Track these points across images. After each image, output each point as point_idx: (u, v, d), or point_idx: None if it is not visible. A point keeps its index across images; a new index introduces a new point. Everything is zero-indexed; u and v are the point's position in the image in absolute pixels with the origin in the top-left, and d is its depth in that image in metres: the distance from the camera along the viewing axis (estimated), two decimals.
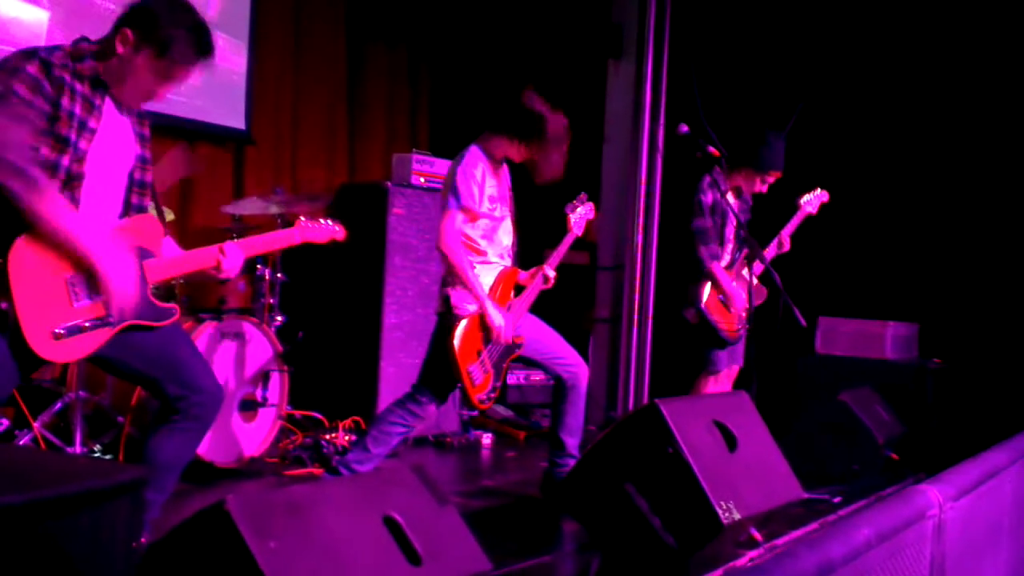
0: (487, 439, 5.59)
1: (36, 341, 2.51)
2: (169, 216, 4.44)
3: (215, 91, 5.78)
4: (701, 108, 5.81)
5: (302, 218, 3.31)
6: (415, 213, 5.39)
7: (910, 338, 5.87)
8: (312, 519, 2.06)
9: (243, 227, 5.01)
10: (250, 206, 5.00)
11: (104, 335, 2.66)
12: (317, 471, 4.47)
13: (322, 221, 3.36)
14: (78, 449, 3.91)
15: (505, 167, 3.98)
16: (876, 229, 6.07)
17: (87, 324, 2.60)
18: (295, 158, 6.35)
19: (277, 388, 4.58)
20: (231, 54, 5.88)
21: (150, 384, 2.86)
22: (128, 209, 2.82)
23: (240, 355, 4.44)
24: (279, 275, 4.80)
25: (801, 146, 5.90)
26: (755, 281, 4.66)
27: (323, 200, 5.25)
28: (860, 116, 6.10)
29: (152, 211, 2.93)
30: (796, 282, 4.74)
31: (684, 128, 4.27)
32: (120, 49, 2.65)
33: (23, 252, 2.49)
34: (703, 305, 4.73)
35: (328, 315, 5.44)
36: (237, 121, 5.89)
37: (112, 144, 2.72)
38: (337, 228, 3.38)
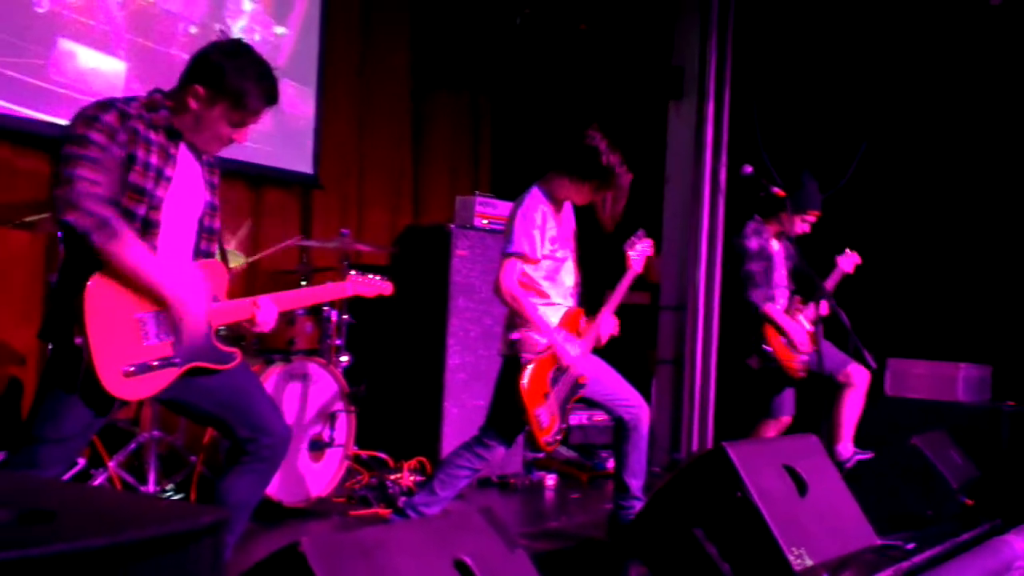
0: (550, 480, 5.57)
1: (107, 378, 2.55)
2: (240, 260, 4.55)
3: (284, 136, 5.93)
4: (763, 149, 5.80)
5: (353, 272, 3.39)
6: (478, 255, 5.43)
7: (983, 380, 5.74)
8: (383, 561, 2.07)
9: (310, 269, 5.11)
10: (318, 247, 5.09)
11: (170, 375, 2.70)
12: (383, 511, 4.49)
13: (371, 276, 3.44)
14: (151, 488, 3.98)
15: (568, 207, 3.98)
16: (947, 269, 5.97)
17: (155, 363, 2.65)
18: (361, 201, 6.47)
19: (344, 428, 4.63)
20: (299, 101, 6.03)
21: (221, 426, 2.91)
22: (197, 254, 2.89)
23: (308, 396, 4.50)
24: (345, 316, 4.87)
25: (869, 186, 5.85)
26: (810, 327, 4.65)
27: (388, 243, 5.33)
28: (929, 154, 6.02)
29: (217, 257, 3.00)
30: (864, 323, 4.69)
31: (748, 169, 4.27)
32: (193, 105, 2.71)
33: (98, 289, 2.55)
34: (768, 348, 4.72)
35: (393, 356, 5.49)
36: (305, 165, 6.02)
37: (186, 191, 2.80)
38: (385, 284, 3.45)
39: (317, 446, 4.50)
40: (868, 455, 5.01)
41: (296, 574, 1.92)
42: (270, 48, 5.87)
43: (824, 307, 4.65)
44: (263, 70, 2.77)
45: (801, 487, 3.12)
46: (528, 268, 3.78)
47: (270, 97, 2.77)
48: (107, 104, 2.66)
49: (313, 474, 4.48)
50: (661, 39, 6.66)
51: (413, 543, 2.20)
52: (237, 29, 5.66)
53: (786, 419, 5.05)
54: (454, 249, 5.31)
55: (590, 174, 3.80)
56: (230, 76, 2.70)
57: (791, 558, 2.82)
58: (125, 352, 2.59)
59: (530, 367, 3.69)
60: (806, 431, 4.68)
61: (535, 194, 3.84)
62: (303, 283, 5.05)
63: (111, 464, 3.95)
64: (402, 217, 6.66)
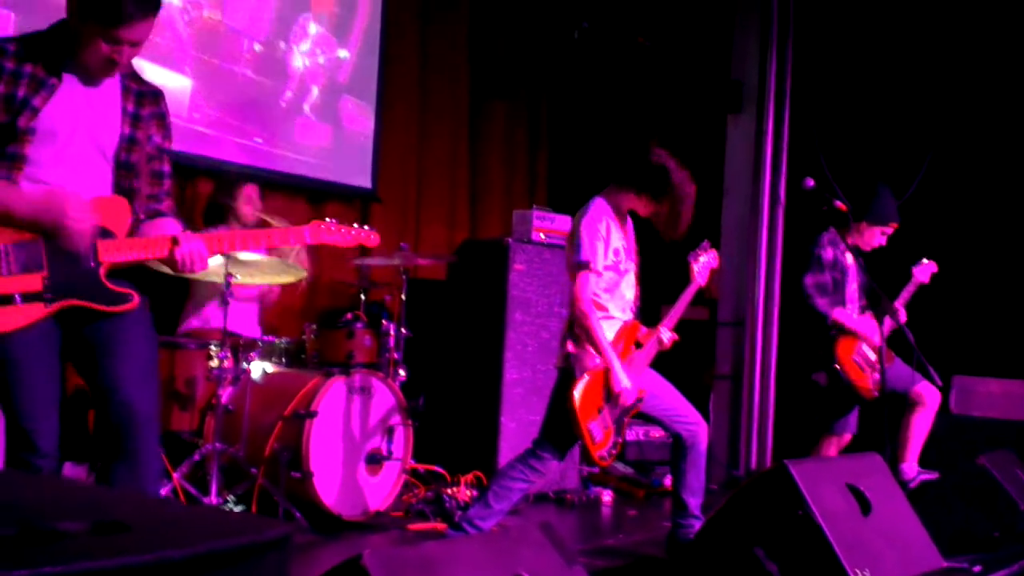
0: (607, 496, 5.54)
1: None
2: (302, 274, 4.60)
3: (344, 152, 6.01)
4: (824, 162, 5.74)
5: (327, 219, 3.08)
6: (535, 269, 5.44)
7: None
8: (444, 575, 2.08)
9: (369, 282, 5.16)
10: (376, 262, 5.14)
11: (36, 311, 2.56)
12: (440, 526, 4.51)
13: (355, 226, 3.15)
14: (214, 500, 4.04)
15: (630, 220, 3.98)
16: (1015, 283, 5.84)
17: (17, 296, 2.53)
18: (419, 215, 6.52)
19: (402, 442, 4.66)
20: (359, 116, 6.11)
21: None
22: (118, 191, 2.74)
23: (366, 409, 4.54)
24: (403, 330, 4.91)
25: (931, 197, 5.76)
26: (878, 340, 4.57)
27: (446, 257, 5.35)
28: (996, 164, 5.90)
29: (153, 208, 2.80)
30: (929, 339, 4.61)
31: (810, 182, 4.23)
32: (71, 22, 2.60)
33: None
34: (838, 365, 4.65)
35: (450, 370, 5.52)
36: (364, 180, 6.09)
37: (81, 124, 2.65)
38: (367, 233, 3.16)
39: (375, 460, 4.53)
40: (933, 475, 4.91)
41: None
42: (332, 67, 5.96)
43: (888, 324, 4.57)
44: None
45: (865, 506, 3.08)
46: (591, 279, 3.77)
47: (133, 5, 2.53)
48: None
49: (371, 487, 4.51)
50: (720, 52, 6.64)
51: (473, 558, 2.20)
52: (301, 51, 5.76)
53: (848, 437, 4.98)
54: (511, 263, 5.33)
55: (654, 188, 3.80)
56: None
57: None
58: None
59: (583, 381, 3.68)
60: (867, 449, 4.62)
61: (599, 204, 3.83)
62: (362, 296, 5.11)
63: (175, 475, 4.02)
64: (459, 231, 6.70)
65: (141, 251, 2.70)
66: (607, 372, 3.71)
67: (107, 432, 2.63)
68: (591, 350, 3.72)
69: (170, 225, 2.83)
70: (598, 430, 3.71)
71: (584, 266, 3.71)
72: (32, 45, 2.63)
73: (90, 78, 2.66)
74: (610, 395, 3.74)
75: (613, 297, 3.86)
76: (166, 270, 2.86)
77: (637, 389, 3.80)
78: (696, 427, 3.92)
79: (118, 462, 2.62)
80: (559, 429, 3.76)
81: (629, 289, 3.93)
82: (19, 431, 2.59)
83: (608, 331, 3.78)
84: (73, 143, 2.64)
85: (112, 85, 2.72)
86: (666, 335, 3.96)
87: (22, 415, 2.58)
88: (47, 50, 2.63)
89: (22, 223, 2.56)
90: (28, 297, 2.54)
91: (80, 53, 2.59)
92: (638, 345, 3.94)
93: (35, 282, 2.55)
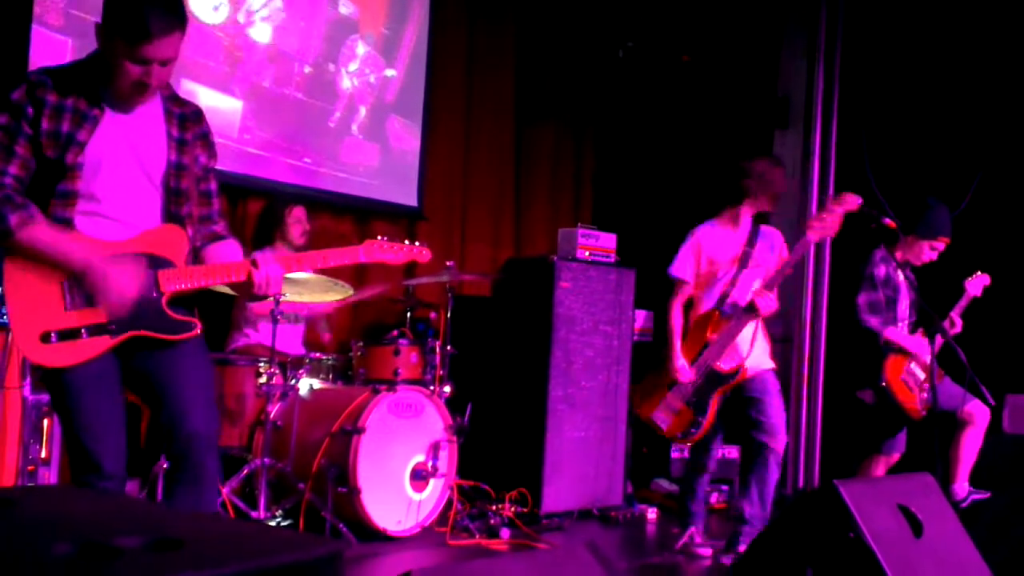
0: (652, 513, 5.52)
1: (24, 345, 2.49)
2: (348, 292, 4.65)
3: (390, 171, 6.07)
4: (873, 178, 5.68)
5: (380, 237, 3.11)
6: (580, 286, 5.44)
7: None
8: None
9: (415, 300, 5.20)
10: (423, 280, 5.18)
11: (102, 344, 2.58)
12: (484, 542, 4.52)
13: (405, 243, 3.16)
14: (262, 514, 4.09)
15: (746, 226, 4.46)
16: None
17: (82, 330, 2.55)
18: (464, 233, 6.56)
19: (447, 458, 4.68)
20: (406, 135, 6.17)
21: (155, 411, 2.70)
22: (169, 218, 2.73)
23: (412, 426, 4.57)
24: (449, 347, 4.93)
25: (983, 214, 5.68)
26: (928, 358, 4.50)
27: (491, 274, 5.37)
28: None
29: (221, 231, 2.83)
30: (981, 358, 4.53)
31: (858, 200, 4.19)
32: (101, 47, 2.59)
33: (16, 261, 2.52)
34: (885, 384, 4.60)
35: (495, 387, 5.53)
36: (410, 199, 6.15)
37: (126, 154, 2.64)
38: (419, 250, 3.19)
39: (421, 476, 4.56)
40: (985, 495, 4.83)
41: None
42: (380, 86, 6.03)
43: (939, 342, 4.51)
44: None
45: (916, 528, 3.03)
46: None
47: (156, 22, 2.49)
48: (22, 80, 2.58)
49: (416, 503, 4.54)
50: (766, 68, 6.61)
51: None
52: (350, 71, 5.83)
53: (896, 456, 4.91)
54: (557, 281, 5.34)
55: (757, 191, 4.47)
56: (115, 4, 2.54)
57: None
58: (44, 318, 2.51)
59: (648, 377, 4.48)
60: (917, 468, 4.55)
61: (698, 230, 4.53)
62: (408, 314, 5.14)
63: (224, 490, 4.07)
64: (503, 250, 6.72)
65: (214, 277, 2.71)
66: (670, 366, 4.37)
67: (173, 458, 2.67)
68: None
69: (233, 248, 2.85)
70: (665, 418, 4.34)
71: (672, 279, 4.49)
72: (71, 76, 2.61)
73: (128, 105, 2.65)
74: (672, 386, 4.36)
75: (704, 294, 4.47)
76: (224, 290, 2.88)
77: (718, 357, 4.31)
78: (777, 445, 4.25)
79: (182, 485, 2.66)
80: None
81: (729, 286, 4.40)
82: (84, 452, 2.59)
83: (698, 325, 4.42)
84: (121, 173, 2.64)
85: (154, 110, 2.72)
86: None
87: (87, 436, 2.58)
88: (86, 81, 2.61)
89: (68, 271, 2.56)
90: (93, 330, 2.56)
91: (114, 79, 2.57)
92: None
93: (99, 315, 2.57)
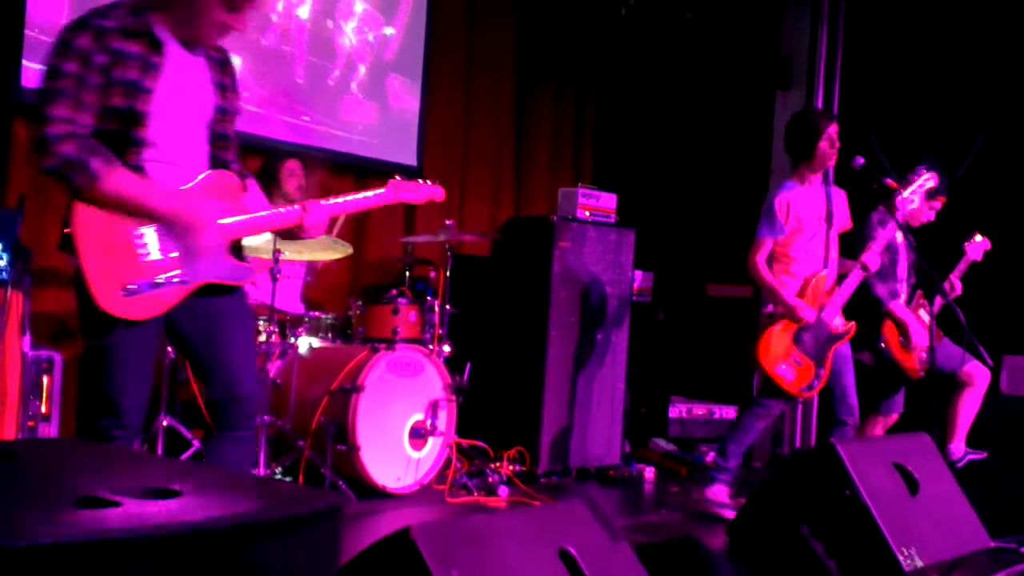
0: (649, 473, 5.55)
1: (104, 298, 2.45)
2: (348, 250, 4.64)
3: (389, 130, 6.03)
4: (875, 139, 5.65)
5: (397, 176, 3.20)
6: (580, 246, 5.43)
7: None
8: (491, 549, 2.10)
9: (414, 258, 5.19)
10: (422, 239, 5.17)
11: (179, 293, 2.57)
12: (483, 499, 4.55)
13: (420, 181, 3.27)
14: (262, 471, 4.11)
15: (824, 188, 4.45)
16: None
17: (160, 280, 2.53)
18: (464, 192, 6.53)
19: (446, 417, 4.69)
20: (405, 94, 6.12)
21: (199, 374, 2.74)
22: (215, 164, 2.73)
23: (411, 384, 4.58)
24: (448, 307, 4.93)
25: (984, 176, 5.65)
26: (927, 319, 4.51)
27: (491, 234, 5.36)
28: None
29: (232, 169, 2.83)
30: (980, 320, 4.54)
31: (860, 160, 4.17)
32: None
33: (88, 212, 2.47)
34: (884, 345, 4.62)
35: (494, 346, 5.54)
36: (409, 158, 6.11)
37: (183, 98, 2.62)
38: (435, 189, 3.29)
39: (419, 434, 4.57)
40: (981, 455, 4.86)
41: (406, 559, 1.96)
42: (379, 45, 5.97)
43: (938, 303, 4.52)
44: None
45: (912, 486, 3.05)
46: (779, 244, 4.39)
47: None
48: (82, 24, 2.50)
49: (415, 461, 4.56)
50: (769, 28, 6.55)
51: (520, 532, 2.22)
52: (349, 29, 5.78)
53: (894, 417, 4.93)
54: (556, 241, 5.33)
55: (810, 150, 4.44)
56: None
57: (901, 558, 2.76)
58: (123, 270, 2.48)
59: (766, 333, 4.31)
60: (914, 429, 4.58)
61: (785, 185, 4.43)
62: (407, 273, 5.14)
63: None
64: (503, 209, 6.70)
65: (270, 224, 2.75)
66: (791, 313, 4.28)
67: (222, 419, 2.68)
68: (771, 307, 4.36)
69: (256, 190, 2.87)
70: (789, 371, 4.28)
71: (757, 234, 4.41)
72: (128, 17, 2.54)
73: (189, 48, 2.61)
74: (799, 339, 4.29)
75: (803, 256, 4.40)
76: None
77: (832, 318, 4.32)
78: (852, 420, 4.34)
79: (231, 444, 2.69)
80: (761, 380, 4.46)
81: (820, 248, 4.38)
82: (107, 402, 2.54)
83: (795, 284, 4.37)
84: (179, 119, 2.62)
85: (199, 56, 2.68)
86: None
87: (116, 388, 2.55)
88: (144, 22, 2.55)
89: (153, 219, 2.54)
90: (171, 280, 2.55)
91: (193, 19, 2.55)
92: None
93: (174, 264, 2.56)
